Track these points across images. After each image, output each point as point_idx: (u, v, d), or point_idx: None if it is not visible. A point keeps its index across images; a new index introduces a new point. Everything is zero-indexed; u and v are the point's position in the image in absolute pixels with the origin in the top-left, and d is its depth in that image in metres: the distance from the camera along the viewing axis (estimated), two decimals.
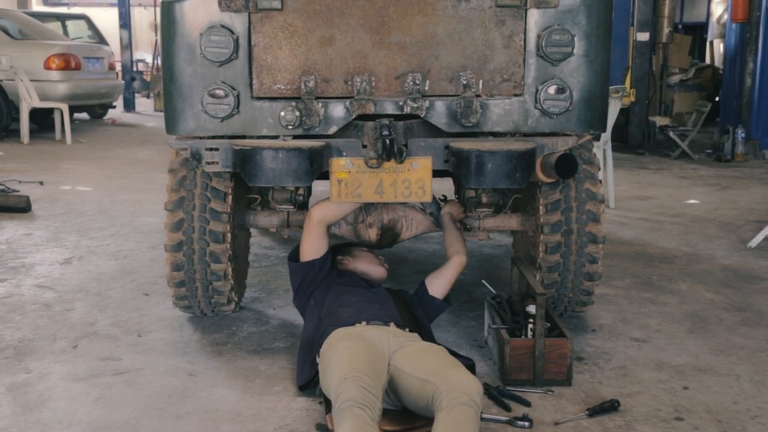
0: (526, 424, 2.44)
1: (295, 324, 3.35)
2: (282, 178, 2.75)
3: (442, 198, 3.40)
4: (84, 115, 13.63)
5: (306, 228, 3.03)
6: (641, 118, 10.22)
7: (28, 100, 9.98)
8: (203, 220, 3.13)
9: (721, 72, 12.24)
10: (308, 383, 2.66)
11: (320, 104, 2.87)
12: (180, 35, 2.85)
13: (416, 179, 2.88)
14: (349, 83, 2.87)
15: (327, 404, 2.46)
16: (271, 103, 2.89)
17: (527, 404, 2.59)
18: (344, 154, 2.88)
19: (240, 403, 2.61)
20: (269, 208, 3.42)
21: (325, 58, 2.86)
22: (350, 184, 2.88)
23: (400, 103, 2.87)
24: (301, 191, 3.35)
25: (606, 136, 5.95)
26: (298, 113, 2.86)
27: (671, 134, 9.62)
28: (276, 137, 2.92)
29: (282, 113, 2.86)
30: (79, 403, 2.61)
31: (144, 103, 17.21)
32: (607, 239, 4.49)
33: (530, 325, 2.83)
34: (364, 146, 2.89)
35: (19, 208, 5.69)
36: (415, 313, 3.03)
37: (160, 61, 13.34)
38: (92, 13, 17.26)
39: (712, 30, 15.11)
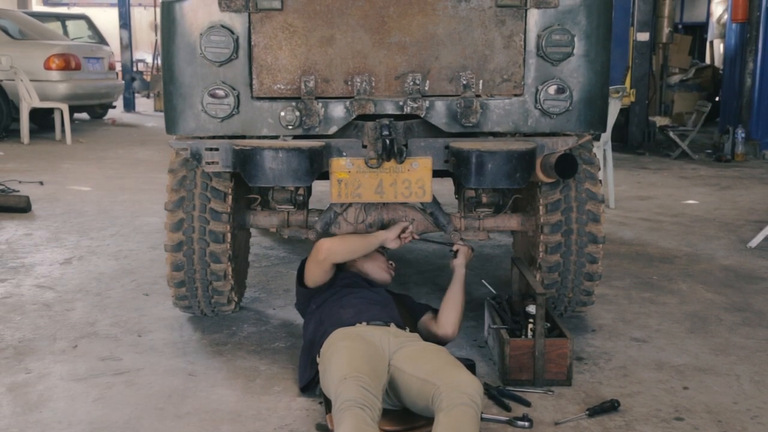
0: (526, 424, 2.44)
1: (295, 324, 3.35)
2: (282, 178, 2.75)
3: (452, 250, 3.14)
4: (84, 115, 13.64)
5: (313, 260, 2.90)
6: (641, 118, 10.22)
7: (28, 100, 9.98)
8: (203, 220, 3.13)
9: (721, 72, 12.25)
10: (309, 384, 2.66)
11: (320, 104, 2.87)
12: (180, 35, 2.85)
13: (416, 179, 2.88)
14: (349, 83, 2.87)
15: (327, 404, 2.46)
16: (271, 103, 2.89)
17: (527, 404, 2.59)
18: (344, 154, 2.88)
19: (240, 403, 2.61)
20: (269, 208, 3.42)
21: (325, 58, 2.86)
22: (350, 184, 2.88)
23: (400, 103, 2.87)
24: (301, 191, 3.35)
25: (606, 136, 5.95)
26: (298, 113, 2.86)
27: (671, 134, 9.62)
28: (276, 137, 2.92)
29: (282, 113, 2.86)
30: (79, 403, 2.61)
31: (144, 103, 17.21)
32: (607, 239, 4.49)
33: (530, 325, 2.83)
34: (364, 146, 2.89)
35: (19, 208, 5.69)
36: (415, 316, 3.03)
37: (160, 61, 13.34)
38: (92, 13, 17.27)
39: (712, 30, 15.11)
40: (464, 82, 2.87)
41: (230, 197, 3.14)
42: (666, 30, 11.03)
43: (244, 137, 2.94)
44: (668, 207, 6.27)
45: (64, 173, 7.69)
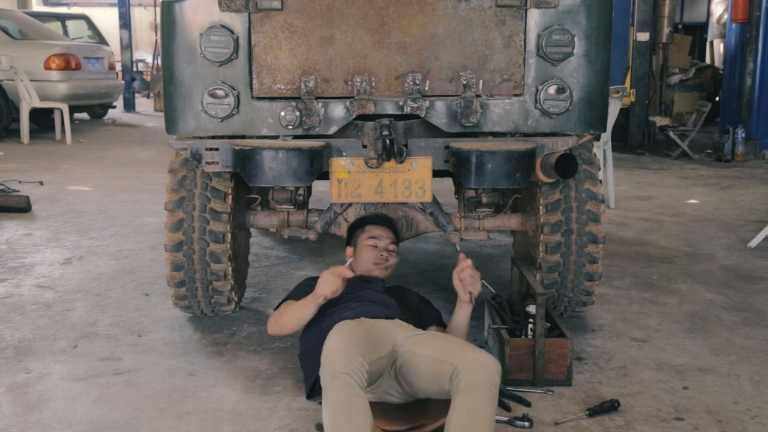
0: (526, 424, 2.44)
1: None
2: (282, 178, 2.75)
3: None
4: (84, 115, 13.64)
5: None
6: (641, 118, 10.22)
7: (28, 100, 9.98)
8: (203, 220, 3.13)
9: (721, 72, 12.25)
10: (314, 387, 2.59)
11: (320, 104, 2.87)
12: (180, 35, 2.85)
13: (416, 179, 2.88)
14: (349, 83, 2.87)
15: None
16: (271, 103, 2.89)
17: (527, 404, 2.59)
18: (344, 154, 2.88)
19: (240, 403, 2.61)
20: (269, 208, 3.42)
21: (325, 58, 2.86)
22: (350, 184, 2.88)
23: (400, 103, 2.87)
24: (301, 191, 3.35)
25: (606, 136, 5.95)
26: (298, 113, 2.86)
27: (671, 134, 9.62)
28: (276, 137, 2.92)
29: (282, 113, 2.86)
30: (79, 403, 2.61)
31: (144, 103, 17.21)
32: (607, 239, 4.49)
33: (530, 325, 2.83)
34: (364, 146, 2.89)
35: (19, 208, 5.69)
36: (422, 320, 2.94)
37: (160, 61, 13.35)
38: (92, 13, 17.28)
39: (712, 30, 15.11)
40: (464, 82, 2.87)
41: (230, 197, 3.14)
42: (666, 30, 11.03)
43: (244, 137, 2.94)
44: (668, 207, 6.28)
45: (64, 173, 7.69)
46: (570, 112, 2.92)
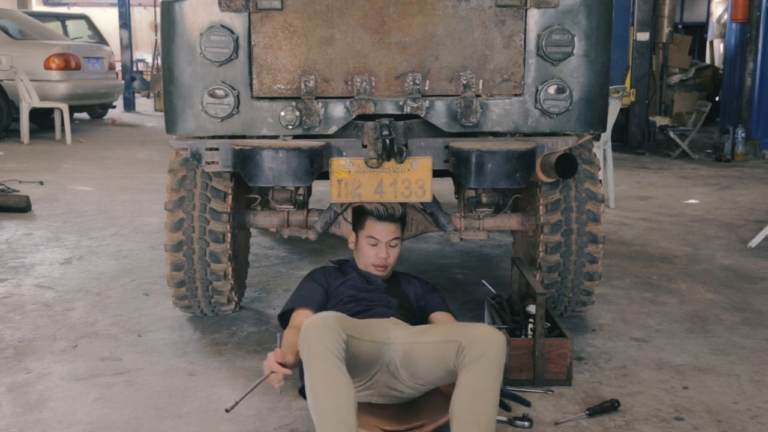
0: (526, 424, 2.44)
1: None
2: (282, 178, 2.75)
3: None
4: (84, 115, 13.64)
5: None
6: (641, 118, 10.22)
7: (28, 100, 9.98)
8: (203, 220, 3.13)
9: (721, 72, 12.25)
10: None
11: (320, 104, 2.87)
12: (180, 35, 2.85)
13: (416, 179, 2.88)
14: (349, 83, 2.87)
15: None
16: (271, 103, 2.89)
17: (527, 404, 2.59)
18: (344, 154, 2.88)
19: (240, 403, 2.61)
20: (269, 208, 3.42)
21: (325, 58, 2.86)
22: (350, 184, 2.88)
23: (400, 103, 2.87)
24: (301, 191, 3.35)
25: (606, 136, 5.95)
26: (298, 113, 2.86)
27: (671, 134, 9.62)
28: (276, 137, 2.92)
29: (282, 113, 2.86)
30: (79, 403, 2.61)
31: (144, 103, 17.21)
32: (607, 239, 4.49)
33: (530, 325, 2.83)
34: (364, 146, 2.89)
35: (19, 208, 5.69)
36: (423, 312, 2.89)
37: (160, 61, 13.36)
38: (92, 13, 17.28)
39: (712, 30, 15.12)
40: (464, 82, 2.87)
41: (230, 197, 3.14)
42: (666, 30, 11.03)
43: (244, 137, 2.94)
44: (668, 207, 6.28)
45: (64, 173, 7.69)
46: (570, 112, 2.92)
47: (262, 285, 3.98)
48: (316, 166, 2.78)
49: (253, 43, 2.85)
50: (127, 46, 15.64)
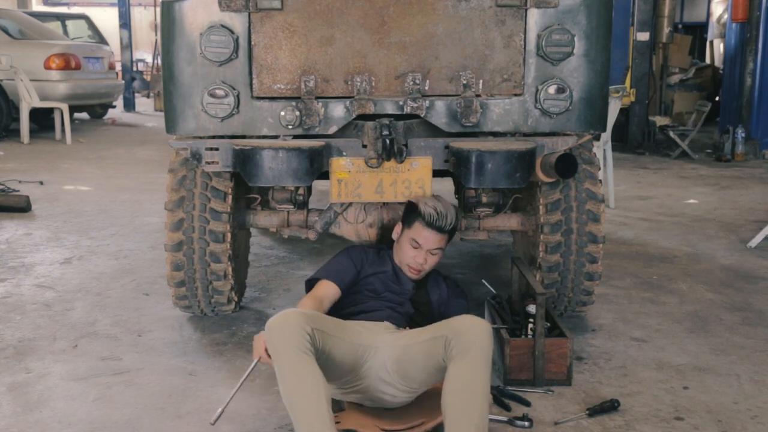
0: (526, 424, 2.44)
1: None
2: (282, 178, 2.75)
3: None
4: (84, 115, 13.63)
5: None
6: (641, 118, 10.22)
7: (28, 100, 9.98)
8: (203, 220, 3.13)
9: (721, 72, 12.24)
10: None
11: (320, 104, 2.87)
12: (180, 35, 2.85)
13: (416, 179, 2.88)
14: (349, 83, 2.87)
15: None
16: (271, 102, 2.89)
17: (527, 404, 2.59)
18: (344, 154, 2.88)
19: (240, 403, 2.61)
20: (269, 208, 3.42)
21: (325, 57, 2.86)
22: (350, 183, 2.88)
23: (400, 103, 2.87)
24: (301, 191, 3.34)
25: (606, 135, 5.95)
26: (298, 113, 2.86)
27: (671, 134, 9.62)
28: (276, 137, 2.92)
29: (282, 113, 2.86)
30: (79, 403, 2.61)
31: (144, 103, 17.21)
32: (607, 239, 4.49)
33: (530, 325, 2.83)
34: (364, 146, 2.89)
35: (19, 208, 5.69)
36: (440, 311, 2.87)
37: (160, 61, 13.35)
38: (92, 13, 17.26)
39: (712, 30, 15.11)
40: (464, 82, 2.87)
41: (230, 197, 3.14)
42: (666, 30, 11.02)
43: (244, 137, 2.94)
44: (668, 207, 6.28)
45: (64, 173, 7.69)
46: (570, 111, 2.92)
47: (262, 285, 3.98)
48: (316, 166, 2.78)
49: (253, 43, 2.85)
50: (127, 46, 15.64)
